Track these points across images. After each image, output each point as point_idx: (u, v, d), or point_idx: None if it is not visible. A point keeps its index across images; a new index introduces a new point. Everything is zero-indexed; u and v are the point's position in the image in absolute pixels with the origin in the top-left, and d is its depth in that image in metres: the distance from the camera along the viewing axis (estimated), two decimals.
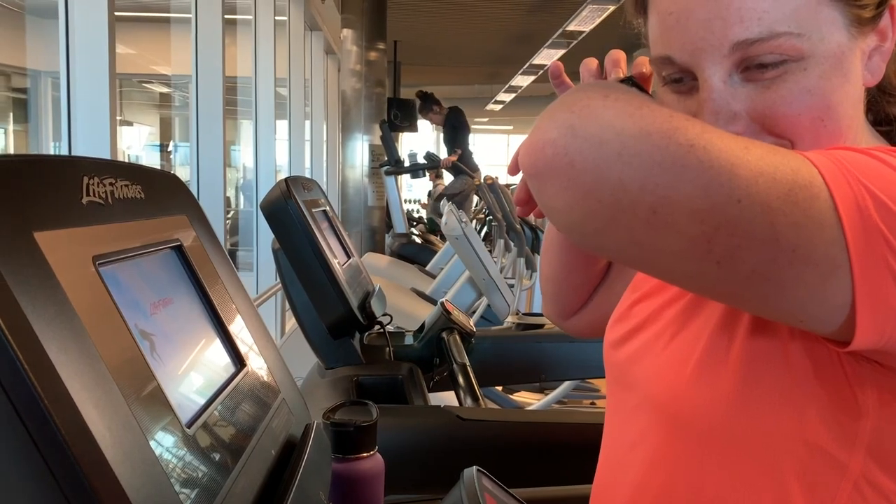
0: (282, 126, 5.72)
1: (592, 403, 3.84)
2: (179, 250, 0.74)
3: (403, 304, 2.86)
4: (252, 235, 5.21)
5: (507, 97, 12.63)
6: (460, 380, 1.50)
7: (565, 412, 1.54)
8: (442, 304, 1.69)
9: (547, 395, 3.53)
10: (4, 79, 6.45)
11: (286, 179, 1.49)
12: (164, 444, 0.52)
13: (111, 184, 0.62)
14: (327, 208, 1.77)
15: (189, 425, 0.57)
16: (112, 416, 0.47)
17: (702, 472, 0.67)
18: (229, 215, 6.21)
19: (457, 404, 1.53)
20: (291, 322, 3.59)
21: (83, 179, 0.58)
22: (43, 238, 0.49)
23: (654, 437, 0.70)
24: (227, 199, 6.15)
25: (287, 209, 1.44)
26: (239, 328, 0.79)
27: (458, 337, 1.61)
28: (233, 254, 6.10)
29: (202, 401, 0.63)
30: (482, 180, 4.25)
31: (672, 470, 0.69)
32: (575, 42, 7.84)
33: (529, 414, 1.42)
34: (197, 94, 4.08)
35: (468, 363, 1.54)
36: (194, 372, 0.65)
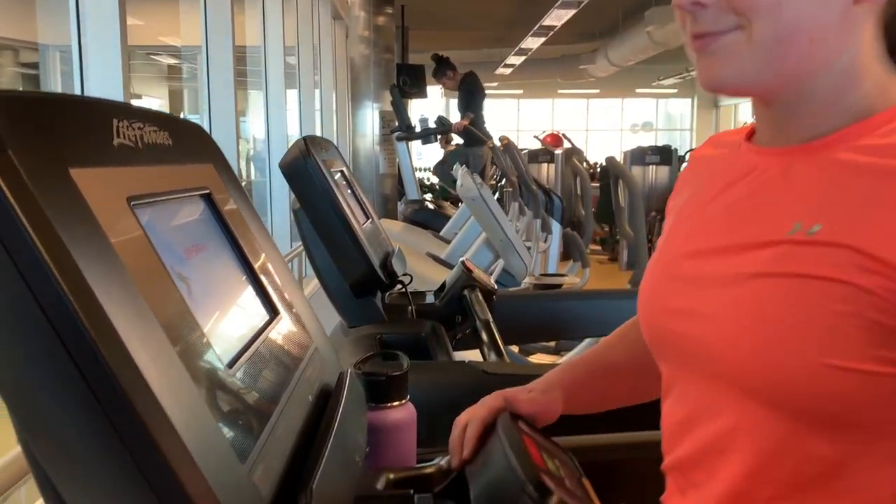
0: (292, 96, 5.68)
1: None
2: (209, 199, 0.74)
3: (420, 268, 2.85)
4: (266, 205, 5.21)
5: (517, 60, 12.50)
6: (484, 336, 1.50)
7: None
8: (463, 262, 1.69)
9: (563, 357, 3.54)
10: (13, 54, 6.41)
11: (304, 138, 1.48)
12: (207, 380, 0.51)
13: (139, 128, 0.61)
14: (345, 169, 1.76)
15: (230, 365, 0.57)
16: (155, 350, 0.47)
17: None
18: (242, 185, 6.20)
19: (481, 361, 1.53)
20: (310, 286, 3.60)
21: (113, 121, 0.57)
22: (79, 175, 0.48)
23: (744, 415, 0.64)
24: (239, 171, 6.15)
25: (307, 167, 1.43)
26: (270, 278, 0.79)
27: (479, 294, 1.60)
28: None
29: (240, 344, 0.63)
30: (497, 141, 4.21)
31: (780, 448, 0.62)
32: (585, 1, 7.72)
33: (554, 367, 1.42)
34: (207, 65, 4.04)
35: (491, 319, 1.53)
36: (231, 317, 0.65)
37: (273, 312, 0.74)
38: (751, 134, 0.73)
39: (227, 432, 0.50)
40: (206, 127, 4.07)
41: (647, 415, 0.85)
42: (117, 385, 0.42)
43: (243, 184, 5.88)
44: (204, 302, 0.60)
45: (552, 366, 1.84)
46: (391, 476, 0.83)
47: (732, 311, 0.63)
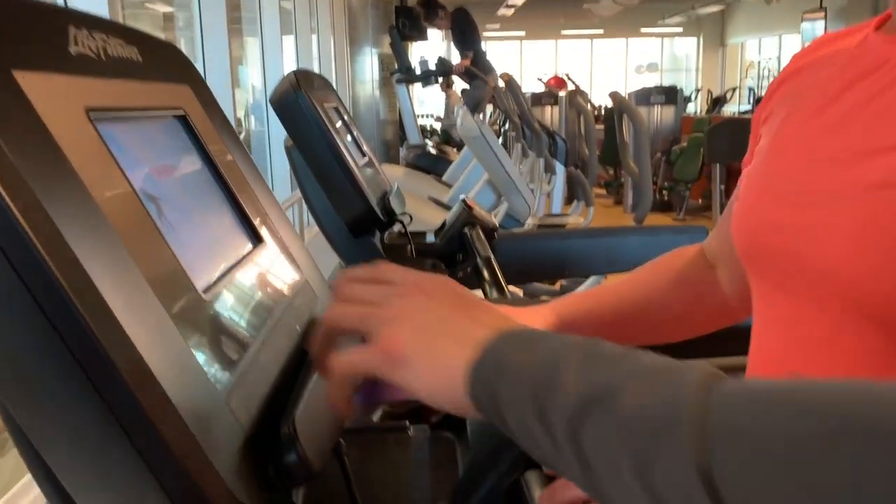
0: (288, 42, 5.56)
1: None
2: (185, 121, 0.69)
3: (422, 211, 2.81)
4: (265, 154, 5.14)
5: (520, 0, 12.19)
6: (485, 273, 1.47)
7: None
8: (463, 200, 1.64)
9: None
10: None
11: (295, 72, 1.42)
12: (178, 307, 0.48)
13: (102, 39, 0.56)
14: (339, 106, 1.70)
15: (205, 291, 0.54)
16: (119, 274, 0.43)
17: None
18: (241, 137, 6.14)
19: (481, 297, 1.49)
20: (311, 233, 3.56)
21: (69, 28, 0.52)
22: (25, 79, 0.44)
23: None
24: (239, 121, 6.06)
25: (297, 101, 1.37)
26: (255, 206, 0.75)
27: (480, 232, 1.56)
28: None
29: (218, 269, 0.59)
30: (498, 79, 4.10)
31: None
32: None
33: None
34: (200, 11, 3.94)
35: (492, 257, 1.50)
36: (208, 242, 0.61)
37: (257, 241, 0.71)
38: (881, 23, 0.64)
39: (201, 357, 0.46)
40: (201, 74, 3.99)
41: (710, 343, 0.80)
42: (73, 306, 0.38)
43: (242, 135, 5.82)
44: (177, 224, 0.56)
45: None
46: (386, 408, 0.81)
47: (852, 224, 0.55)
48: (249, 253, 0.66)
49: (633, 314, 0.83)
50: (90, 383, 0.38)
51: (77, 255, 0.40)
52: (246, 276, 0.62)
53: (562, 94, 7.79)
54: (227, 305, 0.55)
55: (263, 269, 0.67)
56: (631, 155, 2.76)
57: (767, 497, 0.29)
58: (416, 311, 0.48)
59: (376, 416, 0.77)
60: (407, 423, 0.73)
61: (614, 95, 2.98)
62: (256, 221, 0.72)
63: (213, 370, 0.47)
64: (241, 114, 6.25)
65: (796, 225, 0.59)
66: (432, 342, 0.45)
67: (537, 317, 0.76)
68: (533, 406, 0.39)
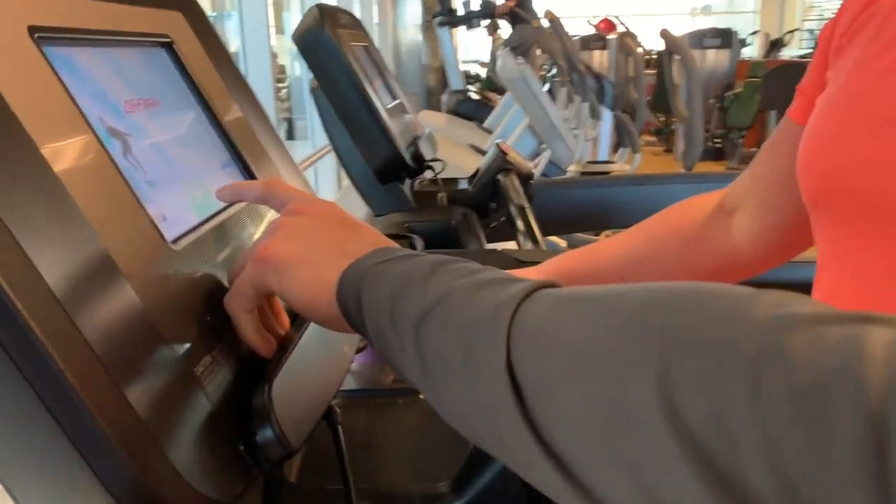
0: None
1: None
2: (171, 49, 0.62)
3: (461, 159, 2.72)
4: (305, 102, 5.07)
5: None
6: (519, 223, 1.38)
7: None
8: (497, 144, 1.55)
9: None
10: None
11: (318, 6, 1.33)
12: (136, 259, 0.41)
13: None
14: (369, 45, 1.61)
15: (175, 241, 0.47)
16: (58, 225, 0.37)
17: None
18: (285, 84, 6.09)
19: (515, 248, 1.41)
20: (346, 183, 3.51)
21: None
22: None
23: None
24: (283, 67, 5.99)
25: (321, 39, 1.29)
26: (253, 148, 0.68)
27: (515, 178, 1.47)
28: (289, 122, 6.01)
29: (197, 218, 0.52)
30: (543, 16, 3.92)
31: None
32: None
33: None
34: None
35: (527, 205, 1.41)
36: (189, 184, 0.55)
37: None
38: None
39: (161, 318, 0.40)
40: (237, 19, 3.91)
41: None
42: None
43: (285, 82, 5.75)
44: (147, 164, 0.49)
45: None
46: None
47: None
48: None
49: (619, 274, 0.79)
50: (6, 356, 0.32)
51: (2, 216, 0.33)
52: (230, 225, 0.55)
53: (611, 37, 7.49)
54: (202, 258, 0.48)
55: (253, 216, 0.61)
56: (682, 98, 2.61)
57: (557, 389, 0.31)
58: (300, 225, 0.48)
59: (387, 379, 0.71)
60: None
61: (665, 34, 2.79)
62: (253, 164, 0.65)
63: (176, 334, 0.41)
64: (285, 61, 6.19)
65: (883, 161, 0.52)
66: (313, 252, 0.46)
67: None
68: (387, 310, 0.40)
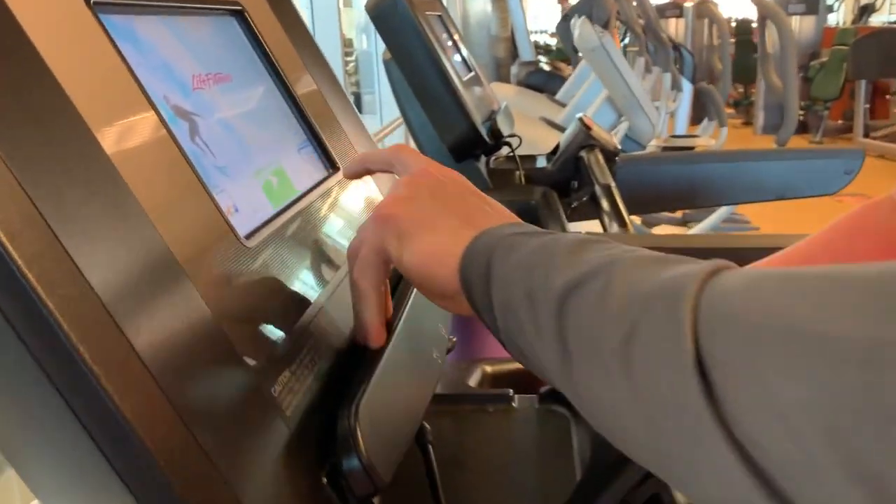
0: None
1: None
2: (242, 18, 0.56)
3: (533, 133, 2.62)
4: (374, 76, 5.02)
5: None
6: (604, 203, 1.30)
7: (732, 237, 1.31)
8: (580, 119, 1.46)
9: (691, 228, 3.26)
10: None
11: None
12: (204, 258, 0.36)
13: None
14: (443, 14, 1.53)
15: (249, 236, 0.41)
16: (109, 219, 0.31)
17: None
18: (351, 57, 6.06)
19: (600, 231, 1.33)
20: None
21: None
22: None
23: None
24: (350, 41, 5.95)
25: (396, 8, 1.22)
26: (331, 127, 0.62)
27: (599, 155, 1.38)
28: (356, 97, 6.00)
29: (273, 207, 0.47)
30: None
31: None
32: None
33: (687, 239, 1.21)
34: None
35: (613, 184, 1.32)
36: (262, 169, 0.49)
37: (330, 167, 0.58)
38: None
39: (231, 328, 0.34)
40: None
41: None
42: (30, 289, 0.26)
43: (352, 55, 5.71)
44: (216, 147, 0.43)
45: (690, 237, 1.61)
46: (487, 369, 0.68)
47: None
48: (318, 184, 0.54)
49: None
50: (45, 375, 0.26)
51: (40, 209, 0.28)
52: (309, 216, 0.49)
53: (688, 4, 7.19)
54: (280, 256, 0.43)
55: (337, 202, 0.55)
56: (774, 68, 2.43)
57: (767, 381, 0.25)
58: (426, 187, 0.44)
59: (473, 381, 0.64)
60: (510, 391, 0.60)
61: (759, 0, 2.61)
62: (330, 142, 0.59)
63: (250, 347, 0.35)
64: (351, 34, 6.15)
65: None
66: (438, 218, 0.42)
67: None
68: (523, 282, 0.35)
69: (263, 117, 0.53)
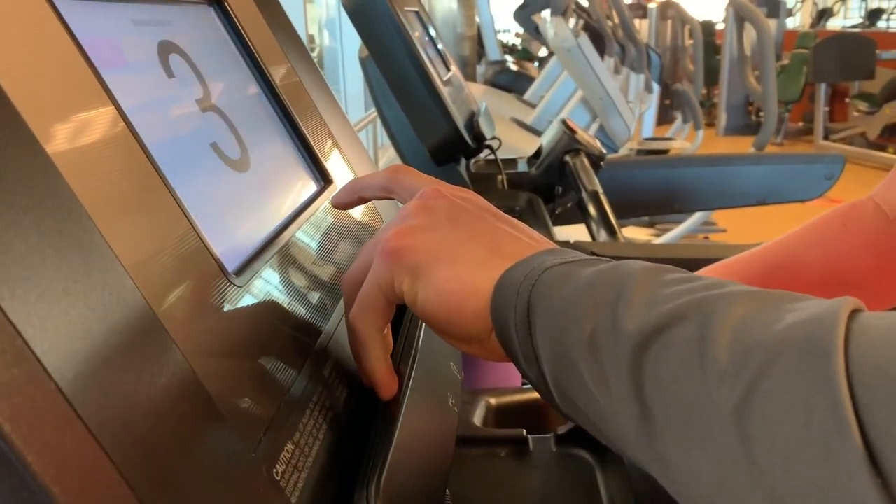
0: None
1: (706, 237, 3.54)
2: (220, 7, 0.49)
3: (504, 134, 2.57)
4: (339, 72, 4.93)
5: None
6: (591, 209, 1.24)
7: (729, 247, 1.27)
8: (563, 121, 1.40)
9: (658, 230, 3.24)
10: None
11: None
12: (187, 307, 0.29)
13: None
14: (420, 10, 1.47)
15: (238, 271, 0.34)
16: (56, 253, 0.24)
17: None
18: (314, 53, 5.95)
19: (587, 238, 1.28)
20: (386, 156, 3.38)
21: None
22: None
23: None
24: (311, 37, 5.85)
25: (375, 3, 1.15)
26: (320, 131, 0.55)
27: (585, 160, 1.33)
28: None
29: (262, 232, 0.39)
30: None
31: None
32: None
33: (681, 249, 1.16)
34: None
35: (600, 190, 1.27)
36: (248, 182, 0.41)
37: (322, 180, 0.51)
38: None
39: (220, 394, 0.27)
40: None
41: None
42: None
43: (314, 52, 5.62)
44: (196, 156, 0.36)
45: (680, 246, 1.56)
46: (492, 402, 0.61)
47: None
48: (311, 201, 0.47)
49: (809, 289, 0.62)
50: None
51: None
52: (306, 237, 0.42)
53: (651, 5, 7.23)
54: (273, 295, 0.35)
55: (331, 226, 0.48)
56: (751, 71, 2.41)
57: None
58: (440, 212, 0.36)
59: (478, 417, 0.58)
60: (524, 431, 0.54)
61: (735, 1, 2.59)
62: (321, 152, 0.52)
63: (244, 420, 0.28)
64: (313, 30, 6.04)
65: None
66: (458, 247, 0.35)
67: None
68: (580, 325, 0.28)
69: (248, 125, 0.45)
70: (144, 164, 0.30)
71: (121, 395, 0.22)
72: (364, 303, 0.36)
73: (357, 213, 0.53)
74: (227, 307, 0.31)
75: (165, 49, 0.39)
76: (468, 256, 0.34)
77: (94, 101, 0.29)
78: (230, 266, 0.33)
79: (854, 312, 0.23)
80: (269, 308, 0.34)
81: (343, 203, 0.43)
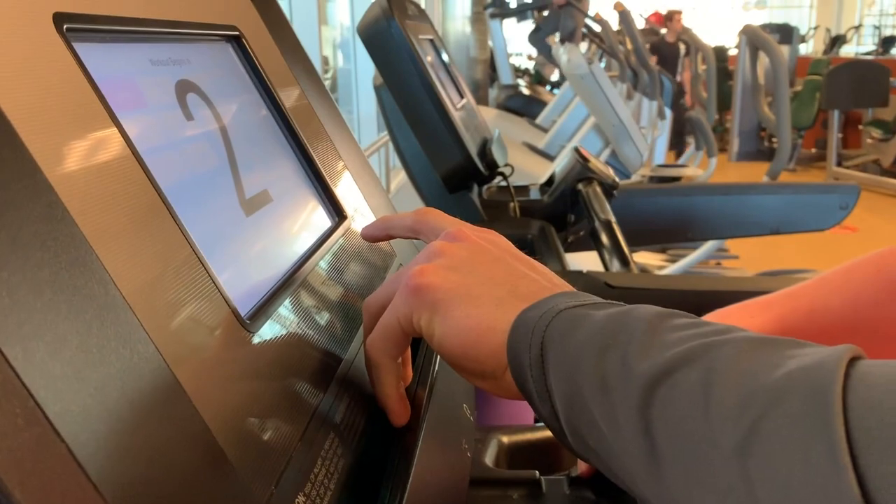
0: None
1: (718, 264, 3.52)
2: (238, 44, 0.49)
3: (516, 158, 2.57)
4: (352, 94, 4.97)
5: None
6: (604, 239, 1.24)
7: (747, 280, 1.26)
8: (576, 149, 1.40)
9: (671, 255, 3.22)
10: None
11: None
12: (201, 358, 0.28)
13: None
14: (434, 38, 1.47)
15: (251, 316, 0.34)
16: (66, 302, 0.23)
17: None
18: (328, 74, 6.02)
19: (599, 268, 1.27)
20: (398, 179, 3.39)
21: None
22: None
23: None
24: (325, 59, 5.90)
25: (390, 32, 1.16)
26: (334, 166, 0.55)
27: (598, 189, 1.33)
28: None
29: (276, 273, 0.39)
30: (614, 8, 3.73)
31: None
32: None
33: (698, 281, 1.15)
34: None
35: (613, 219, 1.26)
36: (263, 224, 0.41)
37: (337, 216, 0.51)
38: None
39: (236, 451, 0.27)
40: (285, 8, 3.82)
41: None
42: None
43: (328, 73, 5.70)
44: (211, 200, 0.36)
45: (698, 278, 1.55)
46: (504, 441, 0.61)
47: None
48: (326, 238, 0.46)
49: (828, 334, 0.61)
50: None
51: None
52: (318, 282, 0.42)
53: (663, 30, 7.26)
54: (287, 340, 0.35)
55: (346, 265, 0.47)
56: (764, 98, 2.42)
57: None
58: (463, 253, 0.38)
59: (489, 457, 0.57)
60: (536, 473, 0.53)
61: (749, 28, 2.59)
62: (337, 187, 0.52)
63: (257, 472, 0.28)
64: (328, 52, 6.10)
65: None
66: (478, 287, 0.36)
67: None
68: (593, 364, 0.30)
69: (265, 162, 0.45)
70: (161, 210, 0.30)
71: (133, 456, 0.22)
72: (381, 332, 0.38)
73: (372, 249, 0.53)
74: (240, 356, 0.30)
75: (183, 88, 0.39)
76: (487, 297, 0.36)
77: (110, 148, 0.29)
78: (243, 310, 0.33)
79: (854, 360, 0.24)
80: (281, 355, 0.34)
81: (372, 237, 0.46)
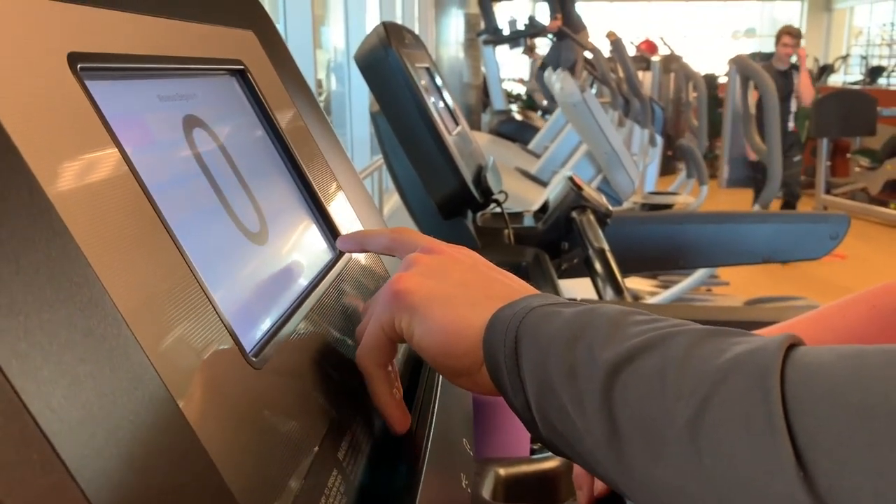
0: (372, 1, 5.39)
1: (708, 290, 3.54)
2: (243, 77, 0.50)
3: (509, 184, 2.59)
4: (346, 117, 4.99)
5: None
6: (598, 267, 1.25)
7: (740, 309, 1.27)
8: (570, 178, 1.42)
9: (662, 282, 3.24)
10: None
11: (384, 24, 1.22)
12: (208, 395, 0.28)
13: None
14: (430, 66, 1.49)
15: (256, 352, 0.34)
16: (90, 352, 0.24)
17: None
18: (322, 97, 6.04)
19: (592, 296, 1.27)
20: (391, 202, 3.40)
21: None
22: None
23: None
24: (319, 82, 5.94)
25: (387, 60, 1.17)
26: (335, 196, 0.55)
27: (592, 217, 1.33)
28: None
29: (280, 309, 0.39)
30: (606, 36, 3.78)
31: None
32: None
33: (692, 310, 1.16)
34: None
35: (607, 248, 1.27)
36: (267, 257, 0.42)
37: (337, 249, 0.51)
38: None
39: (238, 480, 0.27)
40: (280, 30, 3.85)
41: None
42: None
43: (322, 96, 5.73)
44: (217, 234, 0.36)
45: (692, 306, 1.56)
46: (501, 473, 0.61)
47: None
48: (327, 271, 0.47)
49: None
50: None
51: None
52: (322, 315, 0.42)
53: (655, 58, 7.35)
54: (293, 374, 0.35)
55: (349, 297, 0.48)
56: (755, 128, 2.44)
57: (870, 464, 0.23)
58: (439, 263, 0.41)
59: (486, 489, 0.57)
60: None
61: (740, 59, 2.62)
62: (339, 221, 0.52)
63: (261, 500, 0.28)
64: (321, 75, 6.14)
65: None
66: (454, 290, 0.39)
67: None
68: (562, 356, 0.33)
69: (269, 196, 0.46)
70: (170, 248, 0.30)
71: (144, 498, 0.22)
72: (367, 341, 0.40)
73: (370, 277, 0.53)
74: (246, 394, 0.30)
75: (190, 123, 0.40)
76: (462, 298, 0.38)
77: (120, 187, 0.30)
78: (248, 346, 0.33)
79: (793, 346, 0.27)
80: (284, 390, 0.34)
81: (347, 248, 0.48)
